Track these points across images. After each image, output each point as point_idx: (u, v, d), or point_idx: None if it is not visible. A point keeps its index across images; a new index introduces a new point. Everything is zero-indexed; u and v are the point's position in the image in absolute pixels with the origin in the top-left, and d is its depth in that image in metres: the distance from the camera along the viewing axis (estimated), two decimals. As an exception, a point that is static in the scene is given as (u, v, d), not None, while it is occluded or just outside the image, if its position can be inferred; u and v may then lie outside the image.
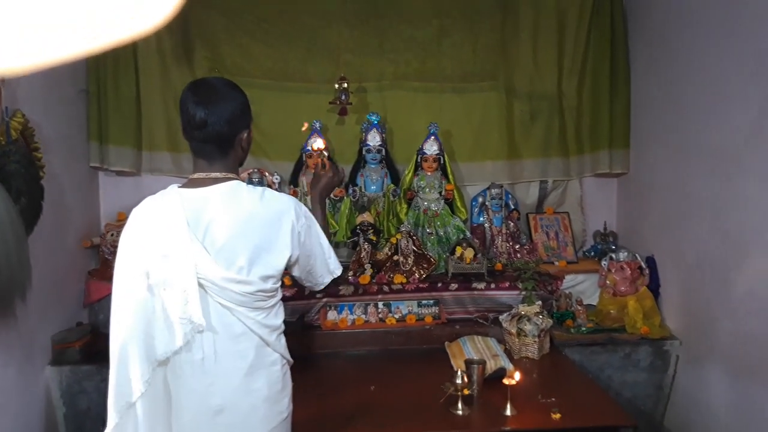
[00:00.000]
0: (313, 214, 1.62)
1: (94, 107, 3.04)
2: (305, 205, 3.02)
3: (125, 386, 1.37)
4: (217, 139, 1.47)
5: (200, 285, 1.39)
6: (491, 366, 2.31)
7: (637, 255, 2.95)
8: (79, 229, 2.91)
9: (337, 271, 1.65)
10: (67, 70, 2.84)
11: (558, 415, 2.04)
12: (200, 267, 1.39)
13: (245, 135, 1.53)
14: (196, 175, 1.50)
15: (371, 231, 2.96)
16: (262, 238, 1.43)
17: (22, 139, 2.34)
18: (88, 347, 2.63)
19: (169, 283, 1.38)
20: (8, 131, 2.24)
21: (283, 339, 1.56)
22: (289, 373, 1.59)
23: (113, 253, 2.76)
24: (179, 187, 1.49)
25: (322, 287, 1.68)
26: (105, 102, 3.05)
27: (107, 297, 2.67)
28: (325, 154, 1.92)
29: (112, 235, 2.90)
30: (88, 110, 3.05)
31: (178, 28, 3.15)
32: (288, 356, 1.57)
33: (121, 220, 2.96)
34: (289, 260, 1.49)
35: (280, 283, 1.52)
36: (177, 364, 1.42)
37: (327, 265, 1.62)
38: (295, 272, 1.58)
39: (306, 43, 3.31)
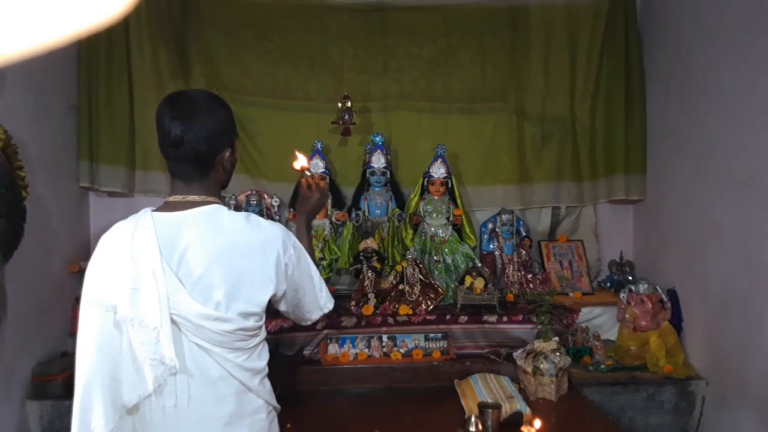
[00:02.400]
0: (299, 239, 1.47)
1: (85, 124, 2.89)
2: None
3: None
4: (195, 159, 1.31)
5: (173, 322, 1.23)
6: (506, 410, 2.13)
7: (657, 287, 2.78)
8: (67, 253, 2.75)
9: (329, 305, 1.51)
10: (56, 84, 2.71)
11: (582, 467, 1.85)
12: (173, 301, 1.22)
13: (227, 155, 1.37)
14: (171, 198, 1.34)
15: (375, 258, 2.79)
16: (243, 269, 1.27)
17: (3, 157, 2.18)
18: (72, 380, 2.42)
19: (139, 319, 1.22)
20: (-12, 148, 2.09)
21: (267, 383, 1.39)
22: (276, 421, 1.41)
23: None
24: (153, 210, 1.33)
25: (310, 323, 1.55)
26: (96, 119, 2.90)
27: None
28: (310, 173, 1.80)
29: (100, 259, 2.72)
30: (78, 127, 2.90)
31: (174, 41, 3.02)
32: (274, 402, 1.40)
33: (110, 244, 2.78)
34: (273, 296, 1.33)
35: (263, 321, 1.35)
36: (147, 412, 1.25)
37: (317, 300, 1.48)
38: (282, 307, 1.43)
39: (308, 61, 3.19)
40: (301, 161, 1.74)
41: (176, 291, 1.23)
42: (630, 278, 3.07)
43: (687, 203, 2.78)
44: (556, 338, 2.51)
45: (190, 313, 1.23)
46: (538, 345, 2.46)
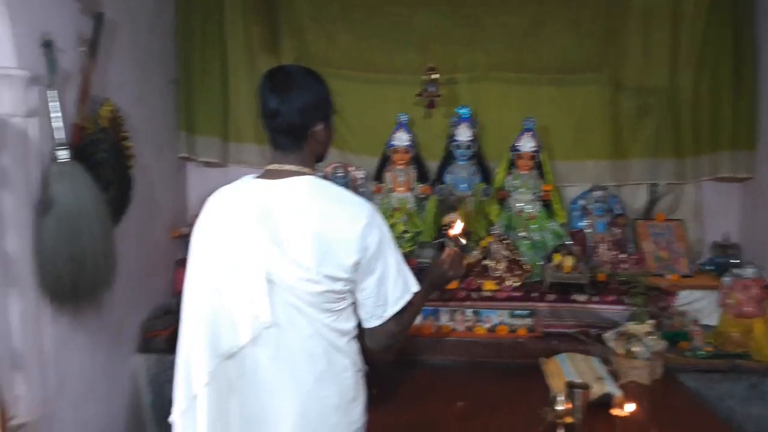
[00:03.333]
0: (418, 298, 1.42)
1: (183, 97, 3.03)
2: (391, 201, 2.95)
3: (190, 376, 1.37)
4: (289, 130, 1.39)
5: (268, 281, 1.31)
6: (596, 391, 2.06)
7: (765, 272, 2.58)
8: (168, 219, 2.93)
9: (414, 288, 1.42)
10: (157, 58, 2.84)
11: (677, 455, 1.77)
12: (269, 263, 1.31)
13: (321, 128, 1.42)
14: (271, 166, 1.42)
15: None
16: (332, 237, 1.31)
17: (111, 128, 2.32)
18: (174, 336, 2.58)
19: (237, 275, 1.33)
20: (97, 119, 2.23)
21: (354, 344, 1.43)
22: (362, 381, 1.46)
23: (199, 244, 2.78)
24: (254, 177, 1.42)
25: (378, 323, 1.39)
26: (193, 91, 3.03)
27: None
28: (461, 244, 1.64)
29: (198, 226, 2.88)
30: (177, 100, 3.04)
31: (266, 15, 3.09)
32: (360, 363, 1.44)
33: (207, 212, 2.94)
34: (356, 262, 1.33)
35: (351, 286, 1.37)
36: (244, 361, 1.35)
37: (403, 282, 1.39)
38: (362, 289, 1.37)
39: (393, 33, 3.16)
40: (457, 228, 1.65)
41: (271, 253, 1.30)
42: (733, 262, 2.87)
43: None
44: (651, 321, 2.39)
45: (283, 274, 1.30)
46: (632, 327, 2.35)
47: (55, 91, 1.91)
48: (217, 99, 3.08)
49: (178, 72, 3.03)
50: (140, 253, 2.59)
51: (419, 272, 2.66)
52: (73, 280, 1.91)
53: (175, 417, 1.41)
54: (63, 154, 1.94)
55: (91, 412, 2.21)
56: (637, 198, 3.13)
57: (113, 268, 2.08)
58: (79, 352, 2.14)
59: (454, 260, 1.58)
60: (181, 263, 2.90)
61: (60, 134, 1.94)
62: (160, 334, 2.58)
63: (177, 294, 2.82)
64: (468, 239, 2.79)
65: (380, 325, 1.39)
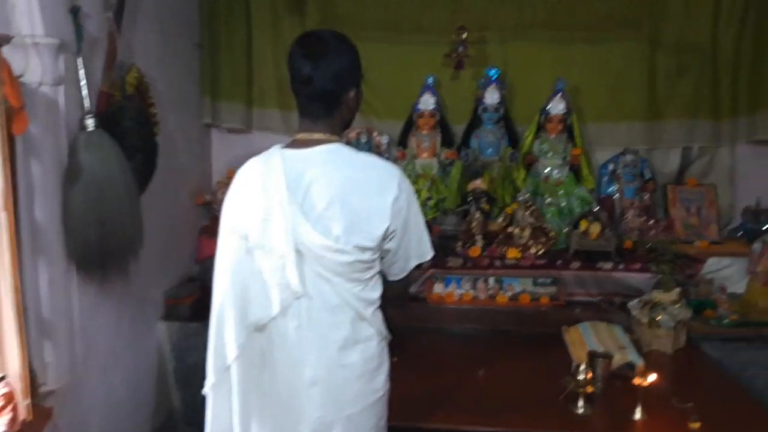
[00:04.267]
0: None
1: (207, 62, 3.02)
2: (416, 167, 2.92)
3: (221, 348, 1.39)
4: (323, 97, 1.38)
5: (298, 251, 1.32)
6: (618, 359, 2.06)
7: (799, 240, 2.51)
8: (192, 186, 2.95)
9: (429, 254, 1.49)
10: (181, 23, 2.82)
11: (698, 425, 1.76)
12: (298, 232, 1.31)
13: (353, 94, 1.42)
14: (299, 136, 1.42)
15: (484, 199, 2.74)
16: (361, 206, 1.33)
17: (137, 95, 2.32)
18: (197, 303, 2.68)
19: (267, 247, 1.34)
20: (124, 86, 2.23)
21: (379, 314, 1.45)
22: (386, 349, 1.48)
23: (223, 210, 2.81)
24: (282, 147, 1.42)
25: (404, 275, 1.48)
26: (217, 57, 3.02)
27: (217, 254, 2.74)
28: None
29: (223, 192, 2.85)
30: (201, 65, 3.03)
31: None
32: (385, 331, 1.46)
33: (231, 178, 2.94)
34: (386, 231, 1.36)
35: (378, 255, 1.39)
36: (273, 332, 1.37)
37: (420, 247, 1.47)
38: (389, 245, 1.41)
39: (421, -12, 3.05)
40: None
41: (301, 223, 1.31)
42: (765, 228, 2.78)
43: None
44: (678, 289, 2.36)
45: (312, 244, 1.31)
46: (657, 295, 2.32)
47: (82, 59, 1.91)
48: (242, 64, 3.05)
49: (202, 36, 3.00)
50: (165, 220, 2.61)
51: (443, 239, 2.71)
52: (100, 248, 1.94)
53: (208, 390, 1.43)
54: (90, 122, 1.95)
55: (117, 378, 2.27)
56: (668, 162, 3.04)
57: (140, 235, 2.11)
58: (105, 319, 2.19)
59: None
60: (205, 231, 2.96)
61: (87, 102, 1.94)
62: (183, 302, 2.64)
63: (200, 261, 2.91)
64: (492, 206, 2.77)
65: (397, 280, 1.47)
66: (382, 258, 1.41)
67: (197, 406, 1.92)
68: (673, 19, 2.95)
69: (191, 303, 2.65)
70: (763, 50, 2.85)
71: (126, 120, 2.22)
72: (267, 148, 1.45)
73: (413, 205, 1.42)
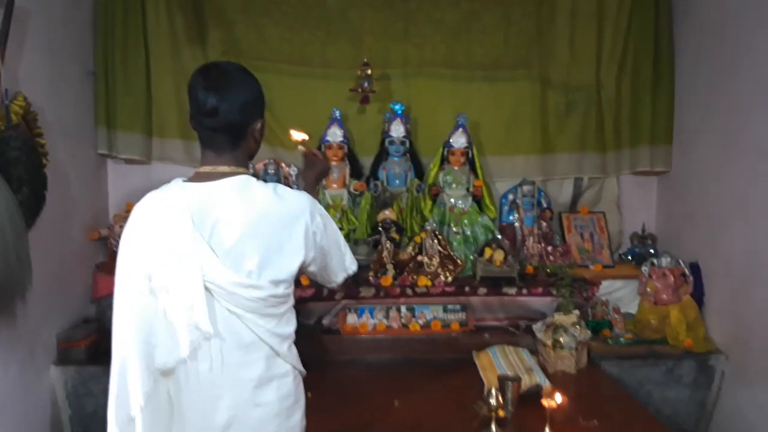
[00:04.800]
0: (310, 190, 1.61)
1: (102, 90, 2.86)
2: (326, 198, 2.91)
3: (124, 398, 1.28)
4: (229, 129, 1.36)
5: (206, 289, 1.27)
6: (526, 382, 2.13)
7: (680, 261, 2.74)
8: (86, 220, 2.76)
9: (353, 267, 1.57)
10: (73, 49, 2.67)
11: (601, 441, 1.85)
12: (206, 270, 1.27)
13: (259, 125, 1.42)
14: (202, 169, 1.37)
15: (394, 229, 2.77)
16: (273, 239, 1.31)
17: (23, 124, 2.18)
18: (94, 346, 2.50)
19: (173, 286, 1.27)
20: (8, 115, 2.09)
21: (294, 349, 1.43)
22: (302, 385, 1.46)
23: (121, 246, 2.64)
24: (184, 181, 1.37)
25: (335, 285, 1.60)
26: (113, 85, 2.87)
27: (115, 293, 2.57)
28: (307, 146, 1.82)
29: (120, 226, 2.72)
30: (95, 93, 2.87)
31: (191, 5, 2.97)
32: (300, 367, 1.44)
33: (129, 211, 2.79)
34: (303, 263, 1.37)
35: (292, 288, 1.38)
36: (181, 376, 1.31)
37: (343, 263, 1.54)
38: (311, 268, 1.46)
39: (326, 26, 3.11)
40: (299, 135, 1.79)
41: (209, 259, 1.27)
42: (652, 251, 3.03)
43: (713, 175, 2.72)
44: (576, 311, 2.49)
45: (223, 281, 1.27)
46: (558, 318, 2.45)
47: (-40, 86, 1.77)
48: (139, 92, 2.92)
49: (96, 64, 2.86)
50: (56, 257, 2.44)
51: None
52: (-18, 289, 1.78)
53: None
54: (-30, 154, 1.80)
55: (7, 429, 2.08)
56: (562, 192, 3.24)
57: (28, 274, 1.95)
58: (-11, 366, 2.00)
59: (317, 157, 1.74)
60: (101, 267, 2.77)
61: (-33, 133, 1.79)
62: (78, 345, 2.45)
63: (96, 300, 2.71)
64: (402, 235, 2.81)
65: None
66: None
67: (97, 456, 1.74)
68: (560, 61, 3.17)
69: (87, 345, 2.45)
70: (639, 91, 3.11)
71: (11, 151, 2.08)
72: (167, 179, 1.40)
73: (329, 225, 1.44)
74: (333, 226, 1.47)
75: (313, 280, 1.59)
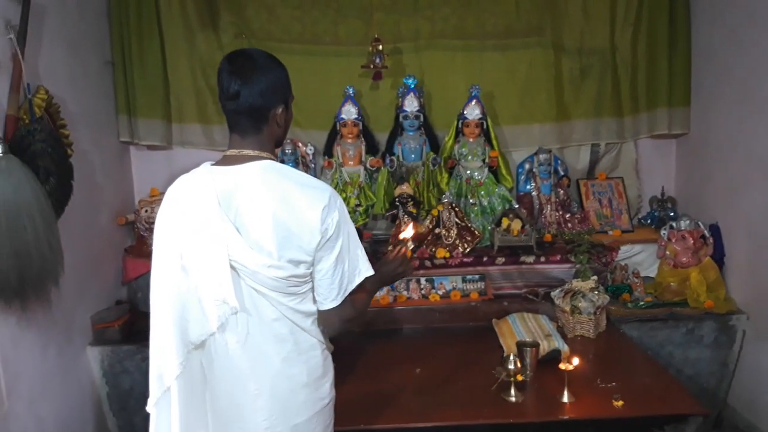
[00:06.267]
0: (367, 289, 1.46)
1: (121, 79, 2.93)
2: (343, 175, 2.95)
3: (161, 368, 1.36)
4: (250, 112, 1.38)
5: (232, 267, 1.33)
6: (545, 347, 2.17)
7: (699, 223, 2.73)
8: (113, 207, 2.86)
9: (368, 272, 1.44)
10: (91, 41, 2.74)
11: (620, 403, 1.89)
12: (231, 249, 1.32)
13: (281, 110, 1.42)
14: (229, 152, 1.41)
15: (411, 203, 2.81)
16: (292, 221, 1.33)
17: (47, 117, 2.25)
18: (127, 326, 2.61)
19: (202, 264, 1.33)
20: (32, 109, 2.15)
21: (317, 325, 1.45)
22: (329, 358, 1.50)
23: (148, 230, 2.73)
24: (212, 164, 1.41)
25: (339, 302, 1.40)
26: (131, 73, 2.93)
27: (145, 274, 2.66)
28: (410, 246, 1.66)
29: (146, 211, 2.82)
30: (114, 82, 2.94)
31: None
32: (327, 342, 1.48)
33: (154, 196, 2.87)
34: (320, 241, 1.35)
35: (312, 268, 1.40)
36: (212, 348, 1.38)
37: (357, 263, 1.42)
38: (318, 270, 1.38)
39: (336, 3, 3.12)
40: (408, 232, 1.71)
41: (234, 240, 1.31)
42: (671, 215, 3.01)
43: (732, 136, 2.69)
44: (595, 277, 2.51)
45: (246, 261, 1.31)
46: (576, 284, 2.47)
47: (-15, 83, 1.84)
48: (157, 79, 2.99)
49: (113, 53, 2.92)
50: (86, 243, 2.53)
51: (374, 243, 2.76)
52: (18, 277, 1.86)
53: (150, 407, 1.40)
54: (-2, 149, 1.88)
55: (46, 408, 2.19)
56: (579, 159, 3.23)
57: (59, 260, 2.04)
58: (29, 349, 2.11)
59: (404, 260, 1.62)
60: (130, 251, 2.87)
61: (-6, 129, 1.87)
62: (112, 326, 2.56)
63: (127, 283, 2.82)
64: (419, 211, 2.84)
65: (335, 308, 1.39)
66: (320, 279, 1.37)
67: (135, 429, 1.85)
68: (573, 26, 3.13)
69: (121, 326, 2.56)
70: (656, 52, 3.06)
71: (36, 143, 2.14)
72: (189, 163, 1.45)
73: (344, 225, 1.39)
74: (347, 226, 1.40)
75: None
